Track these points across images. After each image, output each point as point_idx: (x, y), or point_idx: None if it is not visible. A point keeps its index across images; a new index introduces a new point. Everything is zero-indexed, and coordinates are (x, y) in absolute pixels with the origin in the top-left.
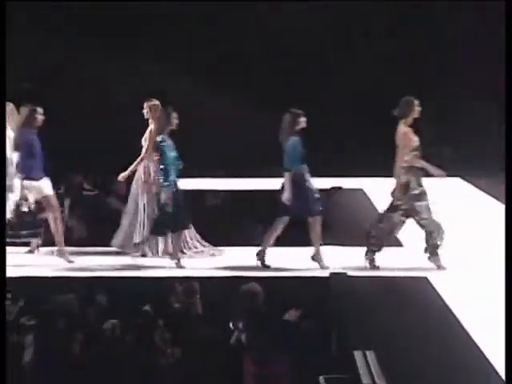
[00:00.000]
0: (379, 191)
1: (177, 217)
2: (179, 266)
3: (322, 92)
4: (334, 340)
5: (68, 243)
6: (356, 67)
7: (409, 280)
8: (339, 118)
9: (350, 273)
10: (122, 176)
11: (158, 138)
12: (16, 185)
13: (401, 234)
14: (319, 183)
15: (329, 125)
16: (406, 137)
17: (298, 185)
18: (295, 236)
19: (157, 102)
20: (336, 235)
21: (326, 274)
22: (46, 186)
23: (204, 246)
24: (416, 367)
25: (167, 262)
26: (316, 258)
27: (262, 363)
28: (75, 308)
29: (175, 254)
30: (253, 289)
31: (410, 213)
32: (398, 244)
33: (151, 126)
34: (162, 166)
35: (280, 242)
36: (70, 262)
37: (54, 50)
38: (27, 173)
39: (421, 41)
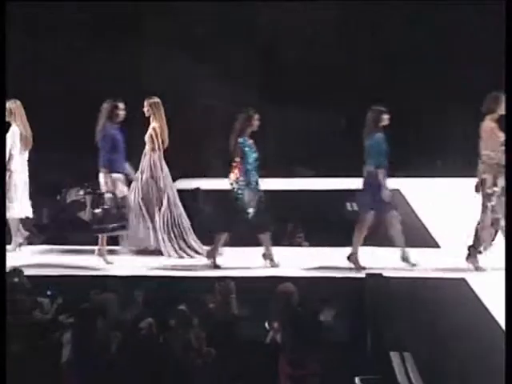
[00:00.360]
0: (416, 192)
1: (257, 219)
2: (215, 266)
3: (357, 91)
4: (370, 341)
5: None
6: (392, 67)
7: (446, 281)
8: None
9: (386, 273)
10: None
11: (240, 140)
12: (101, 179)
13: (438, 235)
14: (355, 183)
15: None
16: (493, 133)
17: (384, 182)
18: (330, 236)
19: (157, 100)
20: (372, 236)
21: (361, 274)
22: (124, 181)
23: (201, 248)
24: (453, 369)
25: (200, 261)
26: (352, 258)
27: (298, 363)
28: (113, 307)
29: (213, 254)
30: (288, 289)
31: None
32: (435, 245)
33: (153, 124)
34: (243, 167)
35: (315, 242)
36: (109, 263)
37: (61, 50)
38: (111, 167)
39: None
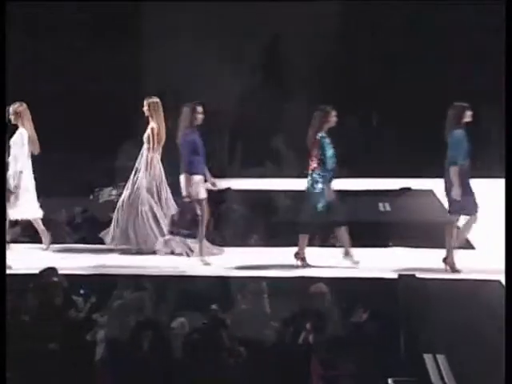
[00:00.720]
0: None
1: (331, 215)
2: (305, 265)
3: (389, 91)
4: (403, 342)
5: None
6: (421, 66)
7: (481, 283)
8: (405, 118)
9: (420, 275)
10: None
11: (320, 134)
12: (182, 181)
13: (473, 237)
14: (388, 184)
15: (397, 125)
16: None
17: (465, 180)
18: (363, 237)
19: (156, 100)
20: (405, 236)
21: (394, 275)
22: (204, 184)
23: (192, 248)
24: (487, 372)
25: (227, 261)
26: (449, 261)
27: (330, 364)
28: (146, 306)
29: (302, 253)
30: (320, 289)
31: None
32: (470, 246)
33: (151, 124)
34: (321, 162)
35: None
36: (207, 264)
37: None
38: (192, 170)
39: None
